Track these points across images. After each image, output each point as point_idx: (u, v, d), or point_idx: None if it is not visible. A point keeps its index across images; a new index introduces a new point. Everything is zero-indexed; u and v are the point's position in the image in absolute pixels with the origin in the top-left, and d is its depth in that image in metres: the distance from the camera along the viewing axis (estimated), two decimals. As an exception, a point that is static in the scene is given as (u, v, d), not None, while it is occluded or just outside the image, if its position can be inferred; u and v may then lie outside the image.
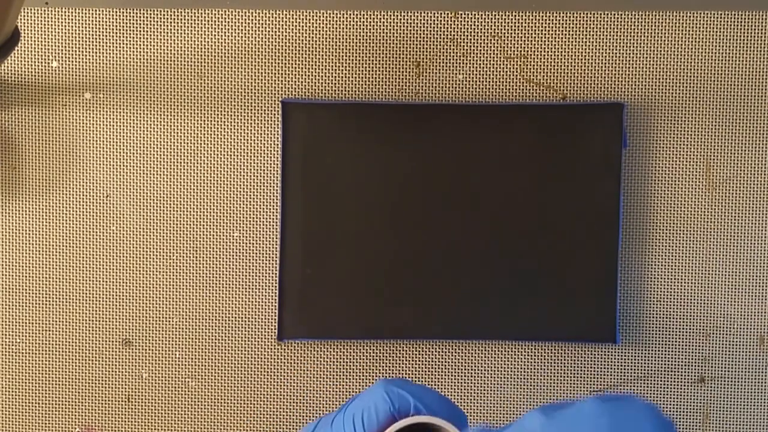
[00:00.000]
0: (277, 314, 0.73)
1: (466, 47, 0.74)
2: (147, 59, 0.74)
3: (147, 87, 0.74)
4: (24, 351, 0.74)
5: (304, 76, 0.74)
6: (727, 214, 0.74)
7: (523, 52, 0.74)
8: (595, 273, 0.72)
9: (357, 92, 0.74)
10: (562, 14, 0.74)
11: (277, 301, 0.73)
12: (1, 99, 0.74)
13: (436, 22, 0.74)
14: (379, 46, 0.74)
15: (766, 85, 0.74)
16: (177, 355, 0.74)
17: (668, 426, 0.34)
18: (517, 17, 0.74)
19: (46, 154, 0.74)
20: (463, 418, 0.46)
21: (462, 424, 0.45)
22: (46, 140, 0.74)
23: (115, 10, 0.73)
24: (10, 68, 0.73)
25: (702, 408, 0.74)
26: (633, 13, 0.73)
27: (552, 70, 0.74)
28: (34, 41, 0.74)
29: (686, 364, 0.74)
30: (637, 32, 0.74)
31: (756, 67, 0.74)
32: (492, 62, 0.74)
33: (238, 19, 0.74)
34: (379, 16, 0.74)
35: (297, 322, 0.73)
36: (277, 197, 0.74)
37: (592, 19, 0.74)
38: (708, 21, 0.73)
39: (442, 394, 0.47)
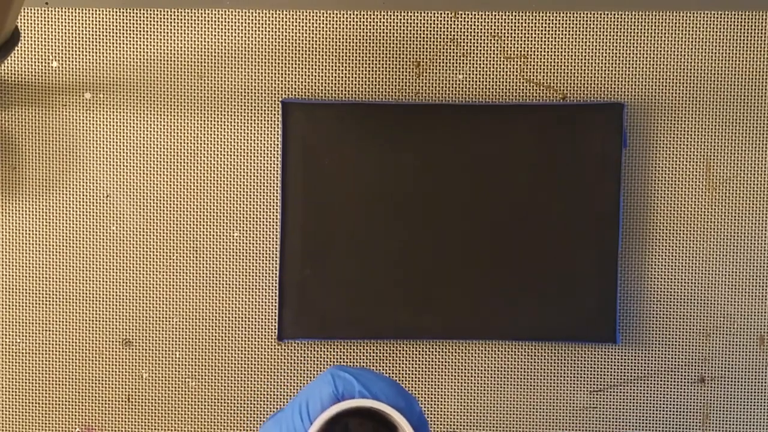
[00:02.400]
0: (277, 314, 0.73)
1: (466, 47, 0.74)
2: (147, 59, 0.74)
3: (147, 87, 0.74)
4: (24, 351, 0.74)
5: (304, 76, 0.74)
6: (727, 214, 0.74)
7: (523, 52, 0.74)
8: (595, 273, 0.72)
9: (357, 92, 0.74)
10: (562, 14, 0.74)
11: (277, 301, 0.73)
12: (1, 99, 0.74)
13: (436, 22, 0.73)
14: (379, 46, 0.74)
15: (766, 85, 0.74)
16: (177, 355, 0.74)
17: None
18: (517, 17, 0.74)
19: (46, 154, 0.74)
20: (414, 408, 0.46)
21: (413, 413, 0.45)
22: (46, 140, 0.74)
23: (115, 10, 0.73)
24: (10, 68, 0.73)
25: (702, 408, 0.74)
26: (633, 13, 0.73)
27: (552, 70, 0.74)
28: (34, 41, 0.74)
29: (686, 364, 0.74)
30: (637, 32, 0.74)
31: (756, 67, 0.74)
32: (492, 62, 0.74)
33: (238, 19, 0.74)
34: (379, 16, 0.74)
35: (297, 322, 0.73)
36: (277, 197, 0.74)
37: (592, 19, 0.74)
38: (708, 21, 0.73)
39: (400, 384, 0.47)
